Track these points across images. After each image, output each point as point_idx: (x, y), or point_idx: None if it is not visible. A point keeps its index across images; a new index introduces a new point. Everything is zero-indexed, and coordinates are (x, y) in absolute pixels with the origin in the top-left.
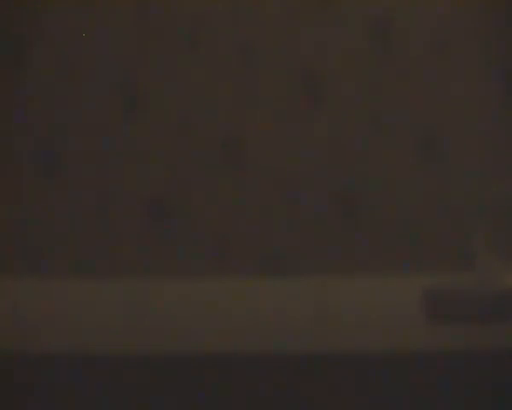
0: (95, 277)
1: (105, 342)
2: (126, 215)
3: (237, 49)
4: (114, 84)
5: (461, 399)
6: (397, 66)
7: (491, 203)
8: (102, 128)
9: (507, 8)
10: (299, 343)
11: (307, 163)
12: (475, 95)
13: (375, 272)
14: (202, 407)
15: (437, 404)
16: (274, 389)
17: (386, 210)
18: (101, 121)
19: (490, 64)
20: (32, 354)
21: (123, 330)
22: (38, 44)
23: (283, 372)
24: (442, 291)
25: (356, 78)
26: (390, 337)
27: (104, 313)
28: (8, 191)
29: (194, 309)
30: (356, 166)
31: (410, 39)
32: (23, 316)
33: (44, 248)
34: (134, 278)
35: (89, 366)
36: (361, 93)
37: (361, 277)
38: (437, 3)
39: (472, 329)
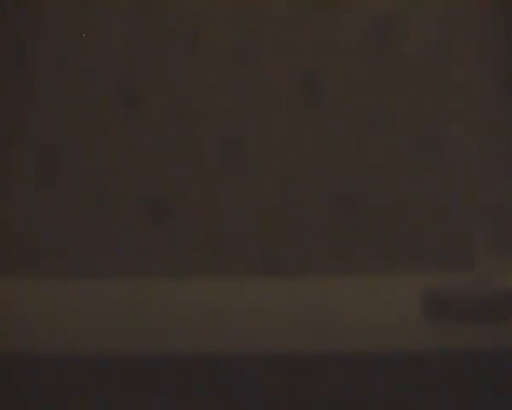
0: (95, 277)
1: (105, 342)
2: (126, 216)
3: (237, 49)
4: (114, 85)
5: (461, 399)
6: (397, 66)
7: (491, 203)
8: (102, 128)
9: (507, 8)
10: (299, 343)
11: (307, 163)
12: (475, 95)
13: (375, 272)
14: (202, 406)
15: (437, 404)
16: (274, 389)
17: (386, 210)
18: (101, 121)
19: (490, 64)
20: (32, 354)
21: (123, 330)
22: (38, 44)
23: (283, 372)
24: (442, 291)
25: (356, 78)
26: (390, 337)
27: (104, 313)
28: (8, 191)
29: (194, 309)
30: (356, 166)
31: (410, 39)
32: (23, 316)
33: (44, 248)
34: (134, 278)
35: (88, 366)
36: (361, 93)
37: (361, 277)
38: (437, 3)
39: (472, 329)
